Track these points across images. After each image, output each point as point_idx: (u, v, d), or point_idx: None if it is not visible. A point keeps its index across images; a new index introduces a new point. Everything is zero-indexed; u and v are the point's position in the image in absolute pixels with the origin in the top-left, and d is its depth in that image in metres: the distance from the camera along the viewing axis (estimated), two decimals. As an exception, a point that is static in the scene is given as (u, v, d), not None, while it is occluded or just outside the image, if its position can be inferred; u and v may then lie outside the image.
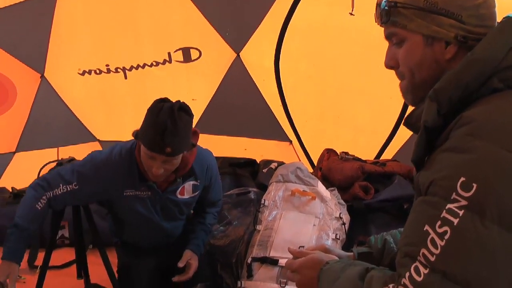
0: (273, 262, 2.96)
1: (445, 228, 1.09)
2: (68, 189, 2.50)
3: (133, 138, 2.44)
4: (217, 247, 3.22)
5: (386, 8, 1.33)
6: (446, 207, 1.10)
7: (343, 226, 3.23)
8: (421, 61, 1.30)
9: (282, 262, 2.93)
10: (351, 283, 1.35)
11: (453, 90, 1.18)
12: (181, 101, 2.35)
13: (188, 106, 2.35)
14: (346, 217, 3.31)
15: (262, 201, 3.29)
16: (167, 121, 2.23)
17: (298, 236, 3.06)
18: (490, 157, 1.07)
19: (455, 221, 1.08)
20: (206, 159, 2.77)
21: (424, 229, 1.13)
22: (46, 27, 4.15)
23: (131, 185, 2.57)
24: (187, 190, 2.70)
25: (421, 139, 1.24)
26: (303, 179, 3.36)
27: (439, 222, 1.11)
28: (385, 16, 1.34)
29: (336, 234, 3.13)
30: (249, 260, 3.01)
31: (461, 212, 1.07)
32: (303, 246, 2.92)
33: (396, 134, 4.31)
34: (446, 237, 1.09)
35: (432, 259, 1.10)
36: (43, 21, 4.14)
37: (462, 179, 1.08)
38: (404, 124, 1.39)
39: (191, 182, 2.69)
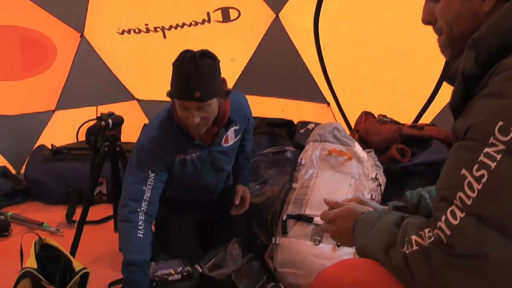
0: (308, 219, 2.98)
1: (482, 171, 1.09)
2: (152, 180, 2.54)
3: (168, 98, 2.50)
4: (252, 204, 3.22)
5: None
6: (484, 151, 1.09)
7: (379, 187, 3.21)
8: (459, 15, 1.29)
9: (317, 220, 2.93)
10: (387, 230, 1.35)
11: (491, 39, 1.16)
12: (206, 49, 2.39)
13: (211, 52, 2.39)
14: (382, 179, 3.29)
15: (299, 160, 3.28)
16: (190, 67, 2.28)
17: (333, 195, 3.03)
18: None
19: (493, 165, 1.07)
20: (241, 105, 2.84)
21: (461, 173, 1.13)
22: None
23: (180, 150, 2.63)
24: (230, 137, 2.77)
25: (459, 87, 1.23)
26: (340, 139, 3.33)
27: (476, 166, 1.10)
28: None
29: (372, 195, 3.11)
30: (284, 217, 3.03)
31: (498, 156, 1.07)
32: (338, 204, 2.92)
33: (435, 99, 4.22)
34: (483, 180, 1.09)
35: (469, 202, 1.10)
36: None
37: (500, 123, 1.07)
38: (443, 78, 1.38)
39: (233, 128, 2.77)
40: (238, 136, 2.83)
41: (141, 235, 2.46)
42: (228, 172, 3.02)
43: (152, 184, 2.53)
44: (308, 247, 2.92)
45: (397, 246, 1.28)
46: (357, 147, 3.35)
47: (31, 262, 2.42)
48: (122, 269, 2.43)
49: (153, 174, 2.54)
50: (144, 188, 2.51)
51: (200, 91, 2.30)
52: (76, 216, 3.28)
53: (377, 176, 3.23)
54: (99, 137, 3.20)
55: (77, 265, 2.55)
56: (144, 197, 2.50)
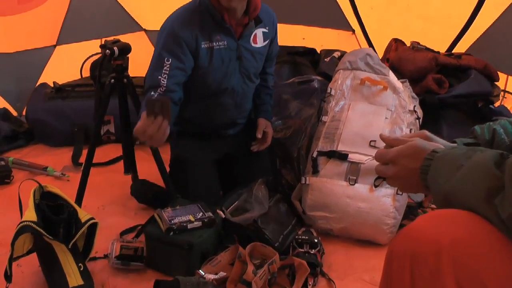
0: (342, 156, 2.71)
1: None
2: (167, 68, 2.49)
3: None
4: (276, 140, 3.04)
5: None
6: None
7: (417, 121, 2.93)
8: None
9: (352, 157, 2.70)
10: (485, 171, 1.03)
11: None
12: None
13: None
14: (420, 111, 3.00)
15: (328, 90, 2.97)
16: None
17: (368, 129, 2.78)
18: None
19: None
20: (270, 10, 2.83)
21: None
22: None
23: (207, 35, 2.55)
24: (259, 38, 2.72)
25: None
26: (373, 67, 3.01)
27: None
28: None
29: (411, 129, 2.83)
30: (314, 154, 2.74)
31: None
32: (375, 141, 2.68)
33: (472, 25, 3.89)
34: None
35: None
36: None
37: None
38: None
39: (261, 29, 2.72)
40: (267, 41, 2.77)
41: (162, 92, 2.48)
42: (253, 87, 2.88)
43: (167, 72, 2.48)
44: (342, 188, 2.66)
45: (506, 193, 0.96)
46: (392, 76, 3.05)
47: (30, 214, 2.14)
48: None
49: (169, 61, 2.48)
50: (159, 77, 2.48)
51: None
52: (83, 158, 3.03)
53: (415, 108, 2.92)
54: (104, 71, 2.85)
55: (83, 215, 2.27)
56: (161, 84, 2.48)
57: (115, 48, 2.67)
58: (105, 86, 2.78)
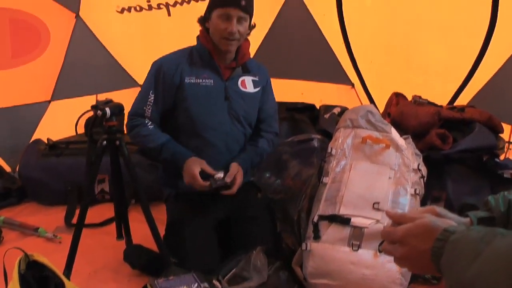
0: (344, 221, 2.57)
1: None
2: (151, 100, 2.73)
3: (199, 24, 2.77)
4: (275, 202, 2.97)
5: None
6: None
7: (422, 179, 2.82)
8: None
9: (355, 221, 2.57)
10: (509, 263, 0.90)
11: None
12: None
13: None
14: (424, 169, 2.90)
15: (329, 150, 2.88)
16: None
17: (371, 190, 2.67)
18: None
19: None
20: (260, 64, 2.99)
21: None
22: None
23: (192, 72, 2.72)
24: (248, 84, 2.83)
25: None
26: (375, 124, 2.93)
27: None
28: None
29: (416, 189, 2.72)
30: (315, 219, 2.62)
31: None
32: (378, 203, 2.56)
33: (473, 76, 3.84)
34: None
35: None
36: None
37: None
38: None
39: (251, 77, 2.86)
40: (258, 88, 2.88)
41: (152, 127, 2.76)
42: (244, 132, 2.90)
43: (151, 104, 2.74)
44: (345, 254, 2.52)
45: None
46: (394, 133, 2.96)
47: (14, 286, 2.00)
48: (159, 156, 2.75)
49: (153, 95, 2.73)
50: (144, 107, 2.74)
51: (246, 1, 2.56)
52: (76, 218, 2.93)
53: (419, 167, 2.82)
54: (100, 128, 2.78)
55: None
56: (145, 115, 2.75)
57: (107, 109, 2.58)
58: (97, 147, 2.68)
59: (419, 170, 2.82)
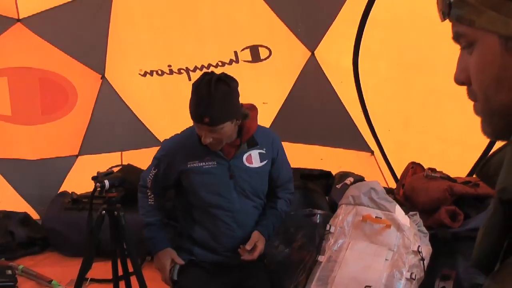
0: (332, 304, 2.52)
1: None
2: (152, 175, 2.72)
3: None
4: (274, 272, 2.94)
5: None
6: None
7: (422, 262, 2.74)
8: (498, 77, 0.81)
9: None
10: None
11: None
12: (224, 73, 2.49)
13: (229, 77, 2.47)
14: (426, 250, 2.82)
15: (328, 227, 2.88)
16: (203, 92, 2.36)
17: (365, 272, 2.64)
18: None
19: None
20: (270, 132, 2.88)
21: None
22: (104, 25, 4.06)
23: (195, 156, 2.64)
24: (254, 159, 2.74)
25: (493, 222, 0.76)
26: (377, 203, 2.89)
27: None
28: (445, 7, 0.86)
29: (412, 273, 2.64)
30: (304, 299, 2.59)
31: None
32: (370, 286, 2.50)
33: (493, 147, 3.69)
34: None
35: None
36: (100, 19, 4.05)
37: None
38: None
39: (257, 151, 2.74)
40: (265, 162, 2.76)
41: (152, 203, 2.76)
42: (256, 206, 2.82)
43: (152, 178, 2.73)
44: None
45: None
46: (398, 212, 2.90)
47: None
48: (143, 230, 2.75)
49: (155, 171, 2.72)
50: (148, 179, 2.74)
51: (209, 117, 2.36)
52: (92, 272, 3.04)
53: (420, 249, 2.75)
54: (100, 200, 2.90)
55: None
56: (148, 187, 2.75)
57: (106, 181, 2.70)
58: (97, 217, 2.78)
59: (419, 252, 2.75)
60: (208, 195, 2.66)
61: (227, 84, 2.40)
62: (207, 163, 2.63)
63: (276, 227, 2.88)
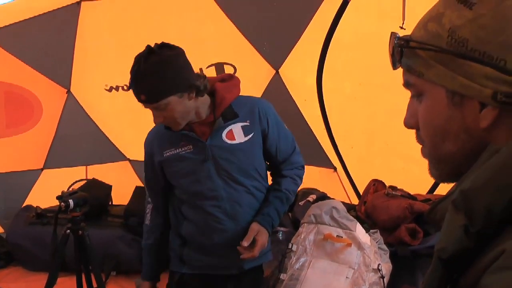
0: (291, 323, 2.57)
1: None
2: (146, 181, 2.54)
3: None
4: None
5: (398, 46, 0.90)
6: None
7: (382, 280, 2.80)
8: (444, 128, 0.86)
9: None
10: None
11: (494, 195, 0.72)
12: (162, 43, 2.16)
13: (165, 46, 2.14)
14: (386, 267, 2.89)
15: (289, 245, 2.90)
16: (134, 68, 2.09)
17: None
18: None
19: None
20: (255, 100, 2.49)
21: None
22: (70, 40, 4.03)
23: (169, 144, 2.36)
24: (236, 134, 2.36)
25: (433, 277, 0.81)
26: (338, 221, 2.94)
27: None
28: (396, 55, 0.91)
29: (372, 291, 2.69)
30: (266, 316, 2.63)
31: None
32: (331, 305, 2.54)
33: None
34: None
35: None
36: (66, 34, 4.02)
37: None
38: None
39: (239, 124, 2.35)
40: (251, 135, 2.36)
41: (147, 222, 2.55)
42: (248, 191, 2.43)
43: (146, 181, 2.54)
44: None
45: None
46: (359, 230, 2.95)
47: None
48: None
49: (145, 173, 2.51)
50: (146, 207, 2.57)
51: (145, 94, 2.11)
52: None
53: (380, 267, 2.81)
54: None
55: None
56: (147, 196, 2.57)
57: (70, 201, 2.70)
58: (61, 236, 2.79)
59: (379, 270, 2.81)
60: (189, 184, 2.38)
61: (160, 56, 2.10)
62: (183, 149, 2.34)
63: (283, 213, 2.52)
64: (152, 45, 2.11)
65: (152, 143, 2.42)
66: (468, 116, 0.82)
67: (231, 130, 2.35)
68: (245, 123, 2.36)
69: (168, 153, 2.35)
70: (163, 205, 2.52)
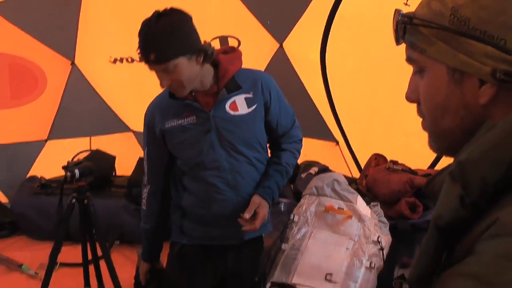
0: (293, 291, 2.62)
1: None
2: (145, 156, 2.50)
3: None
4: None
5: (401, 22, 0.92)
6: None
7: (381, 251, 2.83)
8: (445, 103, 0.89)
9: None
10: None
11: (490, 168, 0.76)
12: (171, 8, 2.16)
13: (174, 10, 2.14)
14: (386, 240, 2.92)
15: (291, 216, 2.94)
16: (145, 29, 2.08)
17: (327, 261, 2.71)
18: None
19: None
20: (258, 73, 2.48)
21: None
22: (75, 12, 4.02)
23: (172, 114, 2.34)
24: (240, 105, 2.36)
25: (430, 244, 0.84)
26: (340, 193, 2.97)
27: None
28: (399, 31, 0.93)
29: (371, 262, 2.73)
30: (268, 285, 2.68)
31: None
32: (331, 274, 2.61)
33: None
34: None
35: None
36: (71, 5, 4.02)
37: None
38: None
39: (242, 96, 2.36)
40: (254, 106, 2.37)
41: (144, 207, 2.54)
42: (250, 162, 2.45)
43: (146, 158, 2.48)
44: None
45: None
46: (360, 203, 2.99)
47: None
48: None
49: (145, 151, 2.47)
50: (144, 163, 2.52)
51: (154, 53, 2.07)
52: (62, 256, 3.06)
53: (379, 239, 2.85)
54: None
55: None
56: (145, 171, 2.51)
57: (76, 171, 2.72)
58: (67, 205, 2.82)
59: (379, 242, 2.84)
60: (191, 155, 2.38)
61: (170, 17, 2.12)
62: (185, 120, 2.34)
63: (282, 186, 2.55)
64: None
65: (154, 113, 2.40)
66: (468, 93, 0.85)
67: (234, 101, 2.36)
68: (248, 95, 2.37)
69: (170, 124, 2.35)
70: (161, 188, 2.51)
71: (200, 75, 2.23)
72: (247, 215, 2.28)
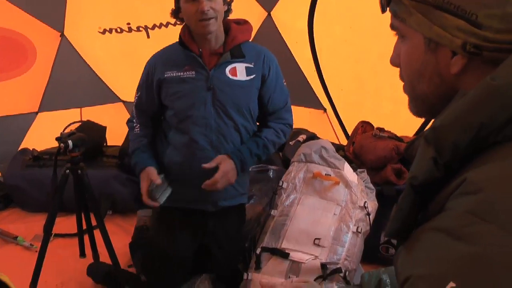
0: (284, 255, 2.71)
1: None
2: (136, 100, 2.64)
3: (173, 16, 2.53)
4: None
5: None
6: None
7: (368, 216, 2.92)
8: (420, 70, 0.97)
9: (294, 255, 2.70)
10: None
11: (461, 132, 0.82)
12: None
13: None
14: (372, 205, 3.00)
15: (280, 183, 3.01)
16: None
17: (315, 226, 2.80)
18: (500, 253, 0.70)
19: None
20: (263, 49, 2.62)
21: None
22: None
23: (174, 65, 2.49)
24: (239, 71, 2.50)
25: (405, 201, 0.90)
26: (327, 160, 3.04)
27: None
28: (384, 1, 1.01)
29: (358, 227, 2.82)
30: (258, 250, 2.76)
31: None
32: (319, 239, 2.69)
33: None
34: None
35: None
36: None
37: (452, 284, 0.70)
38: (405, 155, 1.05)
39: (244, 64, 2.51)
40: (252, 76, 2.50)
41: (137, 131, 2.65)
42: (236, 128, 2.53)
43: (137, 100, 2.63)
44: (281, 286, 2.64)
45: None
46: (346, 169, 3.06)
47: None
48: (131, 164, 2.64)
49: (139, 92, 2.61)
50: (133, 107, 2.66)
51: None
52: (55, 228, 3.10)
53: (366, 204, 2.93)
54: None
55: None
56: (134, 114, 2.67)
57: (70, 142, 2.73)
58: (61, 176, 2.86)
59: (365, 207, 2.92)
60: (183, 109, 2.48)
61: None
62: (185, 73, 2.46)
63: (256, 156, 2.57)
64: None
65: (155, 62, 2.54)
66: (441, 62, 0.92)
67: (235, 67, 2.49)
68: (249, 65, 2.50)
69: (169, 74, 2.47)
70: (149, 127, 2.67)
71: (221, 24, 2.44)
72: (207, 166, 2.40)
